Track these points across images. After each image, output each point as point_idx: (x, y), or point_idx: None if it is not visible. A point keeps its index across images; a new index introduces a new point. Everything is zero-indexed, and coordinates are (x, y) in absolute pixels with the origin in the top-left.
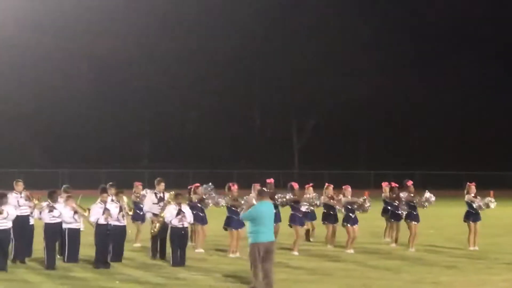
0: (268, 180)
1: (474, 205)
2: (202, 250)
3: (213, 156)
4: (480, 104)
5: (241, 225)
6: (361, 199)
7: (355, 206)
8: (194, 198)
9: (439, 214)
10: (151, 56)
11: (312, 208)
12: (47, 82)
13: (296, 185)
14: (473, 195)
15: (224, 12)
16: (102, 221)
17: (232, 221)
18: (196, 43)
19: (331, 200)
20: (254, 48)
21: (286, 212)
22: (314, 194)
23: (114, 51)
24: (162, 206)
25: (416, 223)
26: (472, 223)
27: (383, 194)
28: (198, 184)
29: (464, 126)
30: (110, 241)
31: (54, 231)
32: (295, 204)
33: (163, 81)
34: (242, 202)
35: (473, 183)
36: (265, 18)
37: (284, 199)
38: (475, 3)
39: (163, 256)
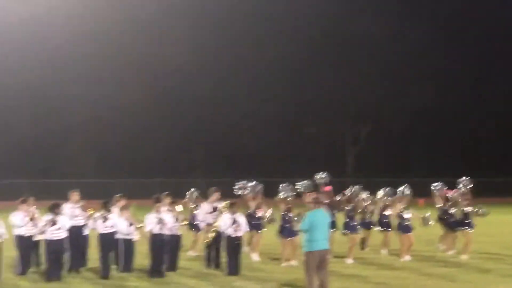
0: (326, 188)
1: None
2: (257, 258)
3: (267, 164)
4: None
5: (294, 233)
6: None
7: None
8: (252, 206)
9: (493, 222)
10: (206, 65)
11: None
12: (102, 92)
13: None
14: None
15: (278, 21)
16: (156, 230)
17: (285, 230)
18: (251, 52)
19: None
20: (308, 56)
21: (341, 220)
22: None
23: (169, 60)
24: (216, 215)
25: (470, 230)
26: None
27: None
28: (255, 193)
29: None
30: (164, 250)
31: (108, 241)
32: (349, 212)
33: (217, 90)
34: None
35: None
36: (317, 26)
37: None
38: None
39: (218, 265)
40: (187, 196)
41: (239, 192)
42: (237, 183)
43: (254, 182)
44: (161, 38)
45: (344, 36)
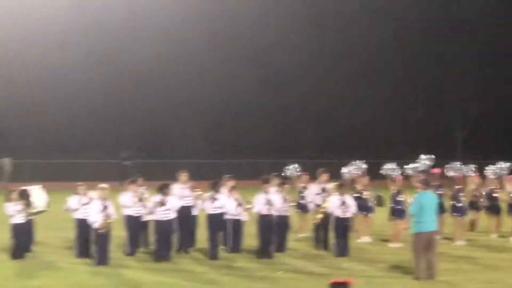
0: (433, 170)
1: None
2: (366, 240)
3: (375, 147)
4: None
5: (405, 215)
6: None
7: None
8: (359, 187)
9: None
10: (316, 46)
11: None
12: (213, 73)
13: (459, 175)
14: None
15: (389, 4)
16: (265, 211)
17: (396, 211)
18: (360, 31)
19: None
20: (418, 37)
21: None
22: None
23: (277, 41)
24: (325, 196)
25: None
26: None
27: None
28: (362, 174)
29: None
30: (273, 231)
31: (217, 222)
32: (456, 194)
33: (325, 71)
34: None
35: None
36: (428, 7)
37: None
38: None
39: (326, 246)
40: (287, 171)
41: (346, 174)
42: (343, 168)
43: (358, 161)
44: (269, 20)
45: (453, 16)
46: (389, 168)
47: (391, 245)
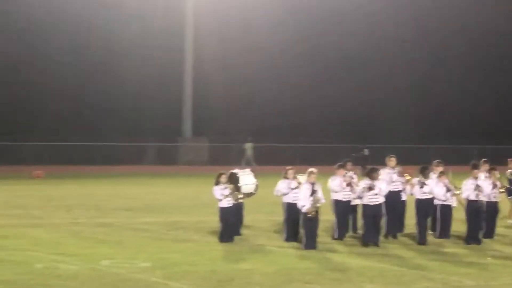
0: None
1: None
2: None
3: None
4: None
5: None
6: None
7: None
8: None
9: None
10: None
11: None
12: (417, 57)
13: None
14: None
15: None
16: (473, 197)
17: None
18: None
19: None
20: None
21: None
22: None
23: (481, 27)
24: None
25: None
26: None
27: None
28: None
29: None
30: (482, 217)
31: (425, 207)
32: None
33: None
34: None
35: None
36: None
37: None
38: None
39: None
40: None
41: None
42: None
43: None
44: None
45: None
46: None
47: None
